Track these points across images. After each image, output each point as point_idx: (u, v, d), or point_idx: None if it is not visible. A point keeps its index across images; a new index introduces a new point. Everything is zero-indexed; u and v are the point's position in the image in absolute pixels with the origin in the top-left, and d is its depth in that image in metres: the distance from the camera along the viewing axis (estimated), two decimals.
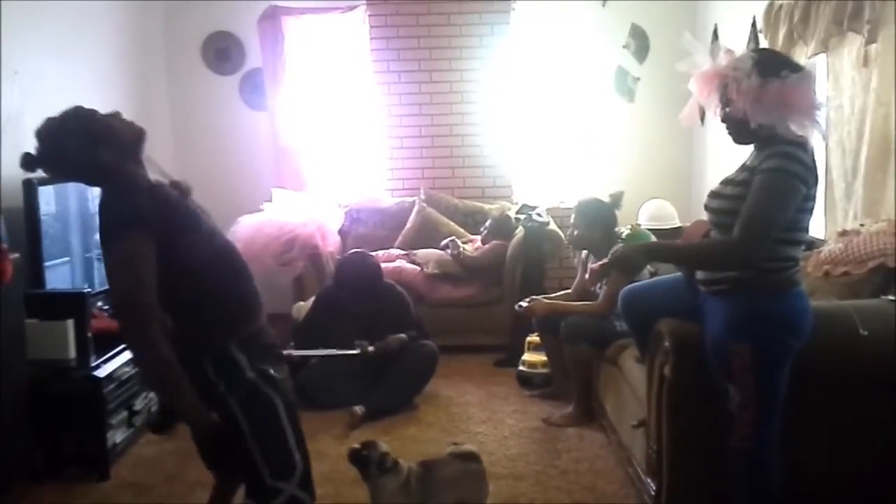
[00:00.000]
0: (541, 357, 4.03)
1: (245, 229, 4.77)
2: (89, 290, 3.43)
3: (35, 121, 2.06)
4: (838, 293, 2.68)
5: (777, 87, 2.08)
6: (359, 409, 3.64)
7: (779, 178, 2.07)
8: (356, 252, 4.26)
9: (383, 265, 4.36)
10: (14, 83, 3.42)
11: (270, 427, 2.10)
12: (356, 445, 2.61)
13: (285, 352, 3.29)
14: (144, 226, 1.95)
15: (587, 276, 3.46)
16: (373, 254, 4.36)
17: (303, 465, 2.14)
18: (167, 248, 1.98)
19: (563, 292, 3.97)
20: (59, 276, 3.46)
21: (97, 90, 4.36)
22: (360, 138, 5.65)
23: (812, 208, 2.17)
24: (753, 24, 4.27)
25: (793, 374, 2.17)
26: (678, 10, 5.37)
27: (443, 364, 4.04)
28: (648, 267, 3.13)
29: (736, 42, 4.28)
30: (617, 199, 3.77)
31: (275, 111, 5.50)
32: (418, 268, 4.78)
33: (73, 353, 3.11)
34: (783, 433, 2.21)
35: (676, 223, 4.86)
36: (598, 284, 3.60)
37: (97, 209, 2.10)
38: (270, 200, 5.11)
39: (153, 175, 2.14)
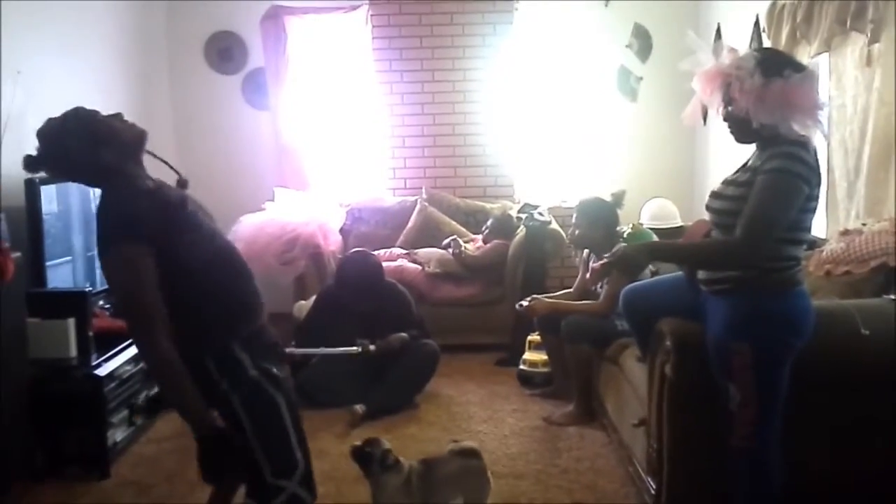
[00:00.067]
0: (542, 356, 4.03)
1: (247, 228, 4.77)
2: (91, 289, 3.44)
3: (37, 120, 2.06)
4: (840, 292, 2.68)
5: (780, 86, 2.07)
6: (360, 407, 3.64)
7: (782, 179, 2.06)
8: (358, 251, 4.26)
9: (385, 264, 4.36)
10: (16, 83, 3.42)
11: (272, 425, 2.10)
12: (358, 443, 2.62)
13: (287, 351, 3.30)
14: (143, 229, 1.95)
15: (588, 275, 3.47)
16: (374, 253, 4.35)
17: (304, 463, 2.14)
18: (167, 249, 1.98)
19: (564, 291, 3.97)
20: (60, 275, 3.46)
21: (99, 90, 4.37)
22: (363, 138, 5.65)
23: (815, 208, 2.17)
24: (756, 24, 4.26)
25: (794, 374, 2.16)
26: (681, 9, 5.37)
27: (444, 363, 4.04)
28: (650, 266, 3.14)
29: (739, 41, 4.27)
30: (619, 199, 3.76)
31: (277, 111, 5.51)
32: (420, 267, 4.78)
33: (74, 352, 3.11)
34: (784, 432, 2.20)
35: (678, 222, 4.86)
36: (600, 284, 3.60)
37: (96, 210, 2.10)
38: (272, 200, 5.11)
39: (156, 173, 2.14)
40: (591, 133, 5.58)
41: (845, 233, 2.91)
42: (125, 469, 3.19)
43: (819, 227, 3.38)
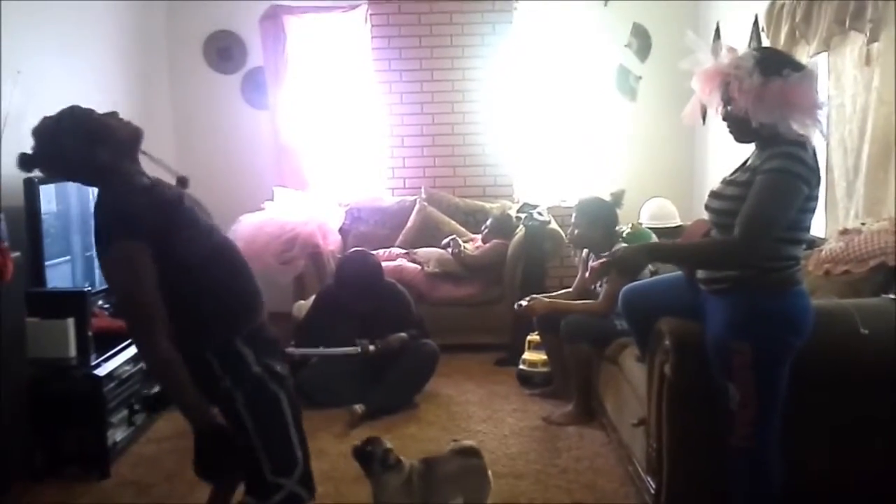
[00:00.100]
0: (541, 356, 4.03)
1: (246, 228, 4.77)
2: (90, 288, 3.44)
3: (37, 120, 2.06)
4: (839, 292, 2.68)
5: (779, 85, 2.07)
6: (359, 407, 3.64)
7: (781, 179, 2.06)
8: (357, 251, 4.26)
9: (384, 264, 4.36)
10: (16, 83, 3.42)
11: (274, 422, 2.10)
12: (359, 442, 2.61)
13: (286, 350, 3.30)
14: (141, 227, 1.95)
15: (587, 274, 3.47)
16: (373, 253, 4.35)
17: (304, 462, 2.14)
18: (165, 246, 1.98)
19: (563, 291, 3.96)
20: (59, 274, 3.46)
21: (99, 89, 4.37)
22: (362, 137, 5.65)
23: (814, 208, 2.17)
24: (755, 23, 4.27)
25: (793, 373, 2.17)
26: (680, 8, 5.37)
27: (443, 363, 4.04)
28: (649, 266, 3.14)
29: (738, 41, 4.27)
30: (618, 198, 3.76)
31: (276, 110, 5.50)
32: (419, 267, 4.78)
33: (73, 352, 3.11)
34: (783, 432, 2.20)
35: (677, 222, 4.87)
36: (599, 283, 3.60)
37: (93, 209, 2.10)
38: (272, 199, 5.11)
39: (154, 172, 2.14)
40: (590, 132, 5.58)
41: (844, 232, 2.91)
42: (125, 469, 3.19)
43: (818, 226, 3.38)
